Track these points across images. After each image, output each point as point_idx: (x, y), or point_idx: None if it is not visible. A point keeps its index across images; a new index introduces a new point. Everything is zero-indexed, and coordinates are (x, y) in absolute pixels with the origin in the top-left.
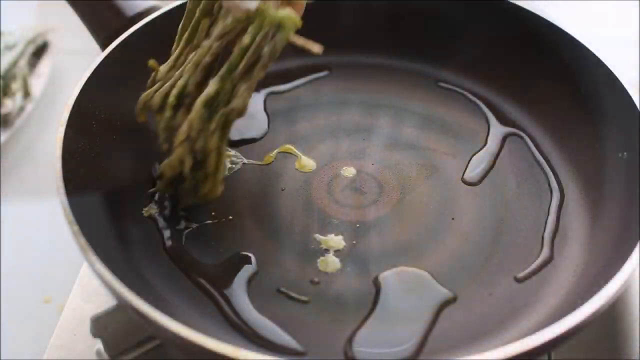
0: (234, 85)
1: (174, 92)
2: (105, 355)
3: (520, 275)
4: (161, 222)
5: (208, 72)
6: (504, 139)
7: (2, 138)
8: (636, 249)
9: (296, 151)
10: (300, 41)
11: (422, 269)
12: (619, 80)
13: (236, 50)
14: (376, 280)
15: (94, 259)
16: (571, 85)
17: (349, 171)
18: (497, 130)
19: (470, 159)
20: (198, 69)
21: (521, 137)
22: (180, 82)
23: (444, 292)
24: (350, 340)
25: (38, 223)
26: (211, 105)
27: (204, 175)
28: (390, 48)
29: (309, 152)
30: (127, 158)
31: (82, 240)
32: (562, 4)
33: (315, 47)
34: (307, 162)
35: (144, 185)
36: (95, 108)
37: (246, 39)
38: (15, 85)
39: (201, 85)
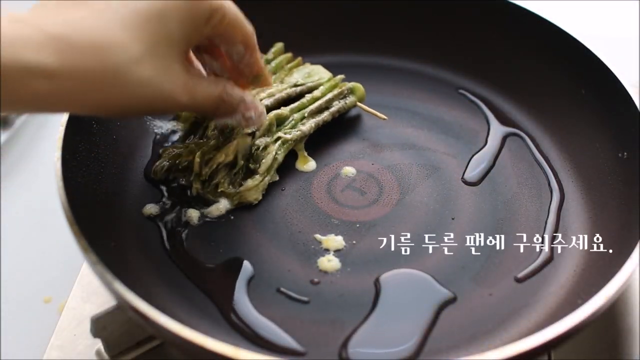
0: (303, 117)
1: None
2: (105, 355)
3: (520, 275)
4: (161, 222)
5: (280, 104)
6: (504, 139)
7: (2, 138)
8: (636, 249)
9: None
10: (367, 109)
11: (422, 270)
12: (619, 80)
13: (308, 97)
14: (376, 280)
15: (95, 259)
16: (571, 85)
17: (349, 171)
18: (497, 130)
19: (470, 159)
20: (271, 99)
21: (521, 137)
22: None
23: (444, 292)
24: (349, 341)
25: (38, 223)
26: (280, 122)
27: (251, 172)
28: (389, 48)
29: (309, 152)
30: (127, 158)
31: (82, 240)
32: (562, 4)
33: (382, 116)
34: (307, 162)
35: (144, 185)
36: None
37: (317, 93)
38: None
39: (269, 109)
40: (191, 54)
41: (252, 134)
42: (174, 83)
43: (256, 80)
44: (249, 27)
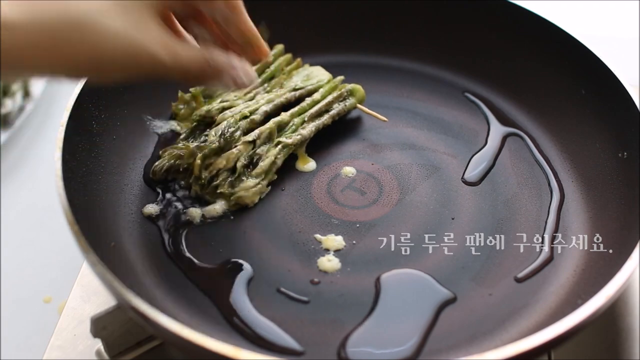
0: (304, 121)
1: (249, 109)
2: (105, 355)
3: (520, 275)
4: (161, 222)
5: (279, 109)
6: (504, 139)
7: (2, 138)
8: (636, 249)
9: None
10: (367, 111)
11: (422, 270)
12: (619, 80)
13: (308, 101)
14: (376, 280)
15: (95, 259)
16: (571, 85)
17: (349, 171)
18: (497, 130)
19: (470, 159)
20: (271, 104)
21: (521, 137)
22: (254, 106)
23: (444, 292)
24: (349, 340)
25: (38, 223)
26: (281, 128)
27: (250, 175)
28: (389, 48)
29: (309, 152)
30: (127, 158)
31: (83, 240)
32: (562, 4)
33: (383, 118)
34: (307, 162)
35: (144, 185)
36: (95, 108)
37: (317, 96)
38: (15, 85)
39: (269, 115)
40: (179, 27)
41: (254, 142)
42: (151, 39)
43: (248, 47)
44: None
